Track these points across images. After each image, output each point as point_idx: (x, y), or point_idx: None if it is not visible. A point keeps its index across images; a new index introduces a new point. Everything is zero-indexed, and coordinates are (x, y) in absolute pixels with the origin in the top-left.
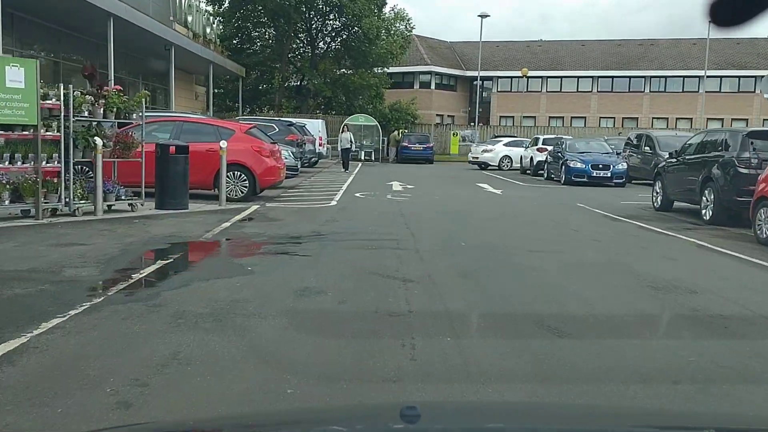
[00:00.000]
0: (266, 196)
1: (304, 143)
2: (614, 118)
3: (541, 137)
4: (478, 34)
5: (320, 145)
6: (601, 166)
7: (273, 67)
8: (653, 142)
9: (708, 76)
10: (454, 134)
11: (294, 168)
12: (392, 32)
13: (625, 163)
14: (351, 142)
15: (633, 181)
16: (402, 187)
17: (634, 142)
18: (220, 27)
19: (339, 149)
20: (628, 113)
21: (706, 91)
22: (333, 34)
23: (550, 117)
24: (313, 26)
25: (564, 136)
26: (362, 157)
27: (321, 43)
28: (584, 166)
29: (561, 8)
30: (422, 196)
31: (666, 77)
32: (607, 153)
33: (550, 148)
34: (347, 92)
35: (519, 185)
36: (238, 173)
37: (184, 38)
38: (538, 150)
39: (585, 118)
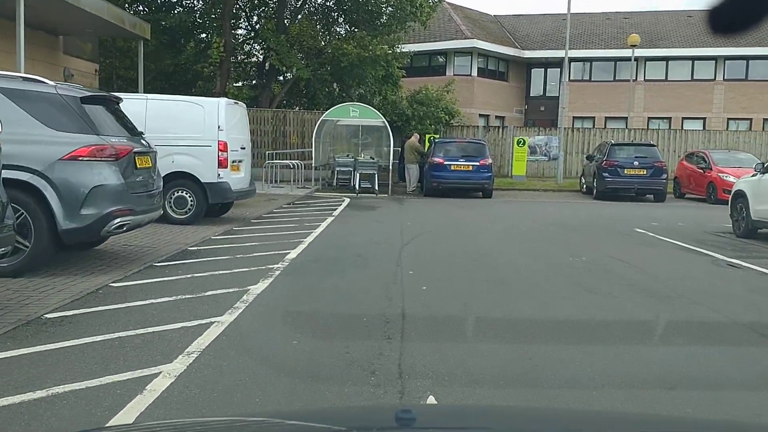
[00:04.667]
0: None
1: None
2: (750, 119)
3: None
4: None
5: (222, 165)
6: None
7: (216, 32)
8: None
9: None
10: (519, 143)
11: None
12: None
13: None
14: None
15: None
16: None
17: None
18: None
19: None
20: None
21: None
22: None
23: (649, 117)
24: None
25: None
26: (357, 185)
27: None
28: None
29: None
30: None
31: None
32: None
33: None
34: (339, 73)
35: None
36: None
37: None
38: None
39: (705, 119)
